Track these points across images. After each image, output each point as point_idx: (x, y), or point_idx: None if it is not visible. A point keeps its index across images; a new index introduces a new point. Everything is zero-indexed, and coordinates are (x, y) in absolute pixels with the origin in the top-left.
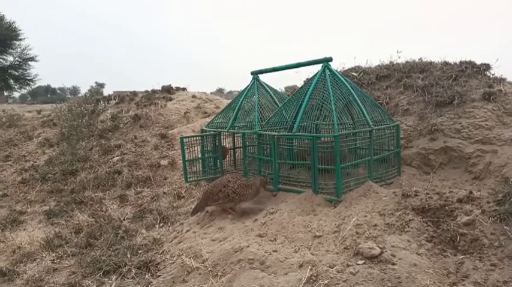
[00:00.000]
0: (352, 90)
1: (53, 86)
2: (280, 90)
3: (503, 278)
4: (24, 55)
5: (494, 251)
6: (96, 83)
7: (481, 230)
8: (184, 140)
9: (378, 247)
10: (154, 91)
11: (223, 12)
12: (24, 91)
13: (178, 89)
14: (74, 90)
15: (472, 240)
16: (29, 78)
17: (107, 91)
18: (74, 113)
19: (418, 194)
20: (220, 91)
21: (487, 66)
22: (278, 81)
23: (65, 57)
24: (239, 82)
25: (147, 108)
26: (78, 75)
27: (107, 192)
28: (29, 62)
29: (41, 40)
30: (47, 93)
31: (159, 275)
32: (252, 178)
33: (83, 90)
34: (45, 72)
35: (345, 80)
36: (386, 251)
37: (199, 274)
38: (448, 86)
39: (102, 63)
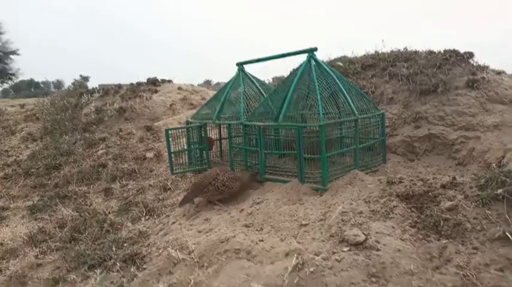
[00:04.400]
0: (337, 80)
1: (36, 80)
2: (267, 82)
3: (484, 261)
4: (5, 49)
5: (477, 235)
6: (80, 76)
7: (464, 214)
8: (170, 132)
9: (363, 233)
10: (139, 83)
11: (214, 3)
12: (6, 86)
13: (163, 81)
14: (58, 84)
15: (455, 225)
16: (11, 72)
17: (92, 84)
18: (56, 107)
19: (403, 181)
20: (207, 83)
21: (471, 54)
22: (265, 73)
23: (49, 50)
24: (227, 74)
25: (132, 100)
26: (62, 68)
27: (92, 186)
28: (11, 56)
29: (23, 33)
30: (30, 88)
31: (145, 268)
32: (240, 172)
33: (68, 83)
34: (28, 66)
35: (331, 69)
36: (371, 238)
37: (186, 265)
38: (432, 74)
39: (87, 56)
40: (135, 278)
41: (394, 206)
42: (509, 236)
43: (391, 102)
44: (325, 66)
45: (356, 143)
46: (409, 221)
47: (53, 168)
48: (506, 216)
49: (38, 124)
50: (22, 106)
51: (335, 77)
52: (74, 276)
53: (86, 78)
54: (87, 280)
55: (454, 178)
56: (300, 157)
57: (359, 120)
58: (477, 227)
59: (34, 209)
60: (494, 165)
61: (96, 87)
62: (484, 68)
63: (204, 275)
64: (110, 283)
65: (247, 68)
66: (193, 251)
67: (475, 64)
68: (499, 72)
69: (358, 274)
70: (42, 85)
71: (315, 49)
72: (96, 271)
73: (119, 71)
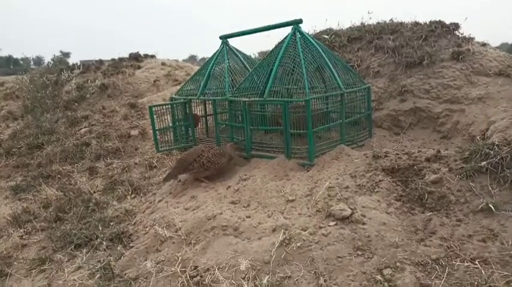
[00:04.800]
0: (323, 54)
1: (15, 56)
2: (253, 56)
3: (467, 232)
4: None
5: (460, 207)
6: (60, 52)
7: (448, 187)
8: (154, 109)
9: (349, 208)
10: (121, 59)
11: None
12: None
13: (146, 56)
14: (38, 61)
15: (439, 197)
16: None
17: (73, 60)
18: (36, 84)
19: (388, 155)
20: (192, 58)
21: (456, 26)
22: (251, 46)
23: (29, 25)
24: (212, 48)
25: (115, 77)
26: (43, 44)
27: (75, 165)
28: None
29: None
30: (9, 65)
31: (132, 246)
32: (223, 145)
33: (48, 60)
34: (5, 42)
35: (316, 42)
36: (357, 212)
37: (173, 243)
38: (418, 46)
39: (68, 31)
40: (122, 257)
41: (379, 180)
42: (492, 207)
43: (377, 76)
44: (311, 39)
45: (342, 117)
46: (395, 194)
47: (35, 147)
48: (490, 188)
49: (18, 102)
50: (1, 84)
51: (321, 50)
52: (61, 256)
53: (66, 54)
54: (74, 259)
55: (439, 151)
56: (286, 132)
57: (345, 94)
58: (461, 199)
59: (17, 190)
60: (478, 138)
61: (76, 64)
62: (469, 40)
63: (192, 252)
64: (97, 262)
65: (232, 42)
66: (180, 229)
67: (460, 36)
68: (483, 44)
69: (344, 248)
70: (21, 62)
71: (300, 21)
72: (82, 250)
73: (100, 47)
